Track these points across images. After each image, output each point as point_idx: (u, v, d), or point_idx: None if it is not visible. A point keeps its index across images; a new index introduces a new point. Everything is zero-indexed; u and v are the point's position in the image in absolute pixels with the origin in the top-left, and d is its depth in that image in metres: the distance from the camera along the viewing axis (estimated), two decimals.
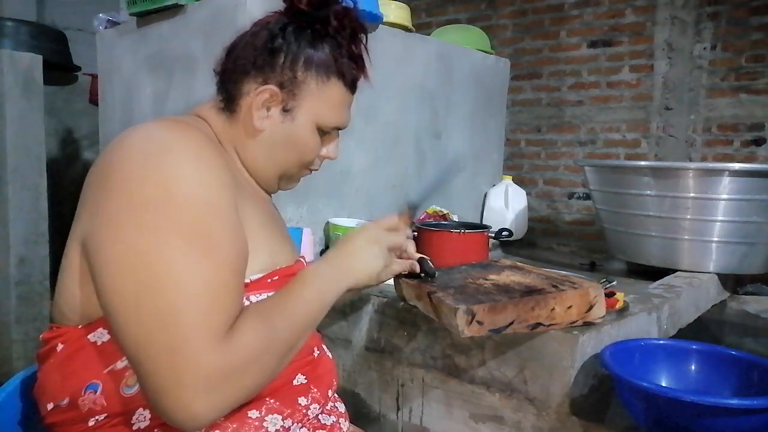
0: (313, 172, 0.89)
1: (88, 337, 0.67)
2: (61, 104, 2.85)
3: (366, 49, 0.83)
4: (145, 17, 1.75)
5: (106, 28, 1.95)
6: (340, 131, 0.87)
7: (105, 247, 0.61)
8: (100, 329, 0.66)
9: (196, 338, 0.57)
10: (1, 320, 2.18)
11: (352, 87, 0.84)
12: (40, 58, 2.22)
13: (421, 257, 0.96)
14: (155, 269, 0.59)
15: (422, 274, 0.99)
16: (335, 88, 0.80)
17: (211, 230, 0.62)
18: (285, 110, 0.78)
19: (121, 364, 0.65)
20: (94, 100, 2.56)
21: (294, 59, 0.77)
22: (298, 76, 0.77)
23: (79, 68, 2.83)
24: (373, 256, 0.81)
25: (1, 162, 2.14)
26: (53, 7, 3.76)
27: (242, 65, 0.78)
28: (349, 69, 0.81)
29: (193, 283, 0.59)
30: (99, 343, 0.66)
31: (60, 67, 2.70)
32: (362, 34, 0.82)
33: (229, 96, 0.79)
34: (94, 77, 2.44)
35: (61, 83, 2.84)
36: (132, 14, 1.76)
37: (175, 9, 1.64)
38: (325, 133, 0.83)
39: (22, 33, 2.56)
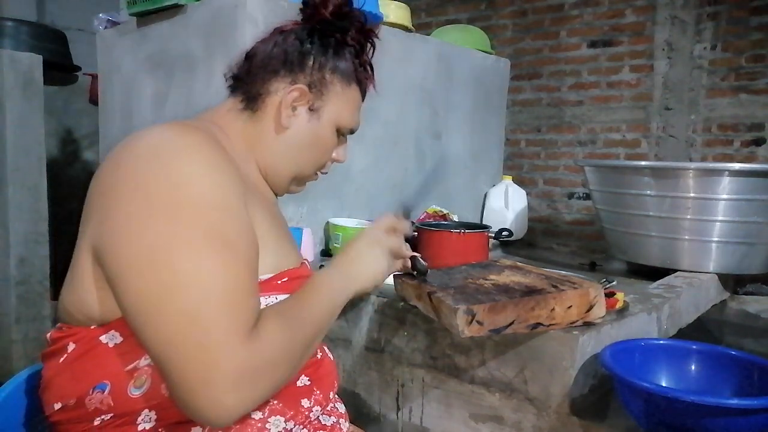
0: (321, 176, 0.94)
1: (101, 338, 0.67)
2: (61, 104, 2.84)
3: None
4: (145, 17, 1.75)
5: (106, 28, 1.95)
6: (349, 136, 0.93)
7: (122, 251, 0.61)
8: (113, 331, 0.66)
9: (223, 336, 0.58)
10: (1, 320, 2.18)
11: (364, 94, 0.91)
12: (40, 58, 2.22)
13: (413, 255, 0.97)
14: (175, 269, 0.59)
15: (414, 272, 1.00)
16: (355, 92, 0.87)
17: (225, 230, 0.63)
18: (311, 109, 0.83)
19: (131, 366, 0.65)
20: (94, 100, 2.56)
21: (322, 62, 0.83)
22: (326, 78, 0.83)
23: (79, 68, 2.83)
24: (376, 260, 0.84)
25: (1, 162, 2.14)
26: (53, 7, 3.76)
27: (272, 65, 0.82)
28: (364, 77, 0.88)
29: (213, 283, 0.60)
30: (111, 345, 0.66)
31: (60, 67, 2.69)
32: (373, 46, 0.89)
33: (253, 95, 0.82)
34: (94, 77, 2.44)
35: (61, 83, 2.84)
36: (132, 14, 1.76)
37: (175, 9, 1.64)
38: (339, 135, 0.89)
39: (22, 33, 2.56)
